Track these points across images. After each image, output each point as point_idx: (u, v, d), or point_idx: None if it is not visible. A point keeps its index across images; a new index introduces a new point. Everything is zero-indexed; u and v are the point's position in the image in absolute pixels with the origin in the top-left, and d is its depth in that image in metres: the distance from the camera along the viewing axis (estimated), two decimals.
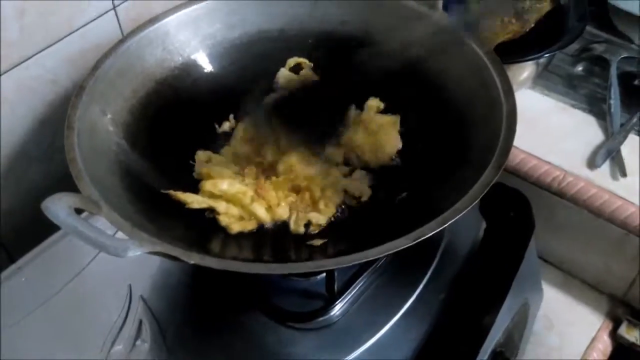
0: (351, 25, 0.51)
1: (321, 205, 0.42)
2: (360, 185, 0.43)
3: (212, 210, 0.41)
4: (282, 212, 0.42)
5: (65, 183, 0.52)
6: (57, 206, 0.29)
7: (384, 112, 0.48)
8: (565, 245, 0.59)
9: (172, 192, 0.41)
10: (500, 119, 0.38)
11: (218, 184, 0.42)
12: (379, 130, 0.45)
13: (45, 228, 0.46)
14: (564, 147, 0.57)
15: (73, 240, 0.47)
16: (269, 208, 0.42)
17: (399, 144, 0.45)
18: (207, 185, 0.42)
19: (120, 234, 0.32)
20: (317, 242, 0.40)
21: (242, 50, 0.51)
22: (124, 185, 0.39)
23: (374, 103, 0.48)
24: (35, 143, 0.51)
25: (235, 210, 0.41)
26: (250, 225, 0.42)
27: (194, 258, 0.31)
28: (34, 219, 0.52)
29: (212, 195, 0.41)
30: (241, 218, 0.42)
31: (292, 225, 0.41)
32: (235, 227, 0.41)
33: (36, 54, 0.47)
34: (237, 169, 0.45)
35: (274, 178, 0.43)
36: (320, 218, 0.41)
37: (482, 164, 0.37)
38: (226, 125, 0.49)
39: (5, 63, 0.46)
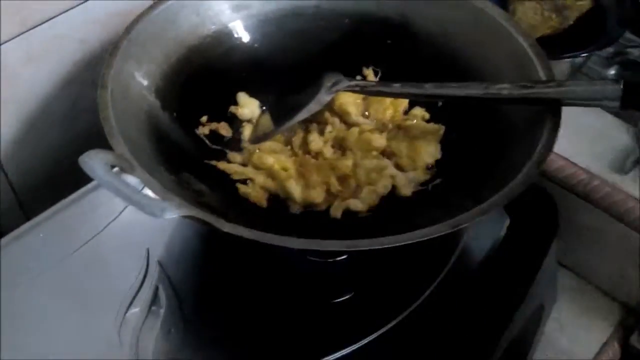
0: (388, 7, 0.50)
1: (364, 192, 0.41)
2: (412, 183, 0.43)
3: (243, 181, 0.41)
4: (316, 196, 0.41)
5: (87, 144, 0.51)
6: (95, 161, 0.28)
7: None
8: (583, 250, 0.59)
9: (215, 162, 0.42)
10: (543, 118, 0.37)
11: (264, 156, 0.42)
12: (419, 138, 0.45)
13: (63, 187, 0.46)
14: (592, 150, 0.56)
15: (91, 201, 0.47)
16: (305, 188, 0.41)
17: (437, 154, 0.44)
18: (255, 157, 0.42)
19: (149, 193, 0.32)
20: (362, 213, 0.40)
21: (276, 24, 0.50)
22: (153, 146, 0.38)
23: (418, 112, 0.47)
24: (59, 102, 0.50)
25: (270, 183, 0.41)
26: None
27: (226, 226, 0.30)
28: (52, 178, 0.52)
29: (256, 167, 0.41)
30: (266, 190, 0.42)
31: (331, 211, 0.41)
32: (263, 201, 0.40)
33: (65, 11, 0.46)
34: (282, 139, 0.44)
35: (320, 159, 0.43)
36: (359, 206, 0.41)
37: (520, 160, 0.36)
38: (243, 112, 0.48)
39: (34, 18, 0.45)
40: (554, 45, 0.55)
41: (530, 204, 0.50)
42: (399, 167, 0.44)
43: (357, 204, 0.41)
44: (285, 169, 0.42)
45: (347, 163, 0.43)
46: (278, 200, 0.43)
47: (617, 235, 0.54)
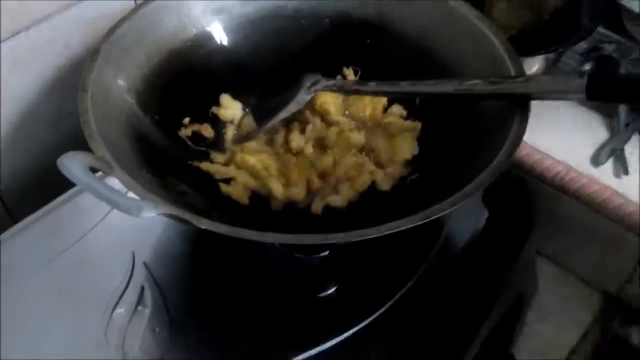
0: (367, 8, 0.51)
1: (343, 189, 0.42)
2: (390, 178, 0.44)
3: (226, 180, 0.42)
4: (297, 193, 0.42)
5: (73, 147, 0.52)
6: (73, 163, 0.29)
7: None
8: (563, 240, 0.60)
9: (197, 163, 0.43)
10: (513, 111, 0.38)
11: (246, 157, 0.43)
12: (397, 135, 0.46)
13: (50, 190, 0.47)
14: (568, 143, 0.57)
15: (78, 204, 0.47)
16: (285, 185, 0.42)
17: (415, 150, 0.45)
18: (238, 157, 0.43)
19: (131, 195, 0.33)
20: (341, 208, 0.41)
21: (257, 26, 0.51)
22: (134, 148, 0.39)
23: (396, 110, 0.48)
24: (45, 105, 0.51)
25: (252, 182, 0.42)
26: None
27: (203, 223, 0.31)
28: (39, 180, 0.53)
29: (238, 167, 0.42)
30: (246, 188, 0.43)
31: (312, 207, 0.42)
32: (245, 199, 0.41)
33: (49, 16, 0.47)
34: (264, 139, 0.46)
35: (300, 157, 0.44)
36: (338, 200, 0.42)
37: (493, 152, 0.37)
38: (226, 113, 0.49)
39: (19, 23, 0.45)
40: (528, 41, 0.57)
41: (507, 196, 0.51)
42: (378, 163, 0.45)
43: (336, 200, 0.42)
44: (266, 168, 0.43)
45: (327, 160, 0.44)
46: (260, 198, 0.44)
47: (595, 225, 0.55)
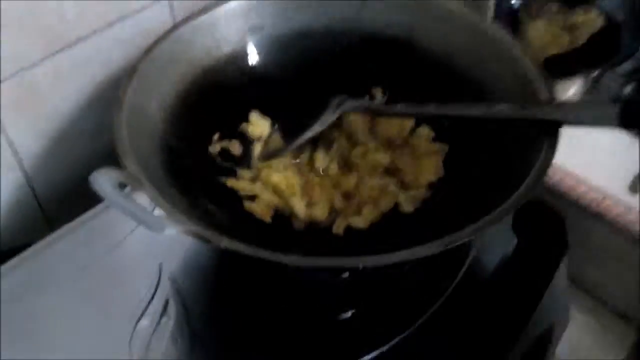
0: (396, 28, 0.51)
1: (366, 210, 0.42)
2: (413, 200, 0.44)
3: (251, 197, 0.43)
4: (319, 212, 0.43)
5: (110, 160, 0.54)
6: (104, 179, 0.30)
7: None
8: (598, 271, 0.58)
9: (224, 179, 0.44)
10: (542, 136, 0.37)
11: (272, 174, 0.44)
12: (423, 156, 0.46)
13: (87, 201, 0.48)
14: (605, 169, 0.56)
15: (111, 216, 0.49)
16: (309, 204, 0.43)
17: (440, 173, 0.45)
18: (263, 173, 0.44)
19: (157, 211, 0.34)
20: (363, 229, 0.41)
21: (288, 44, 0.51)
22: (164, 165, 0.40)
23: (424, 131, 0.48)
24: (84, 120, 0.53)
25: (275, 200, 0.43)
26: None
27: (224, 242, 0.32)
28: (77, 192, 0.55)
29: (264, 184, 0.44)
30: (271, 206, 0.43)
31: (334, 227, 0.42)
32: (267, 217, 0.42)
33: (91, 35, 0.50)
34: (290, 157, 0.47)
35: (325, 176, 0.45)
36: (360, 221, 0.42)
37: (519, 179, 0.36)
38: (255, 130, 0.50)
39: (62, 41, 0.48)
40: (566, 63, 0.55)
41: (539, 223, 0.50)
42: (402, 184, 0.45)
43: (358, 221, 0.42)
44: (290, 186, 0.44)
45: (351, 181, 0.44)
46: (283, 216, 0.44)
47: (631, 255, 0.53)
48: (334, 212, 0.43)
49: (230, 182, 0.45)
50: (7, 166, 0.49)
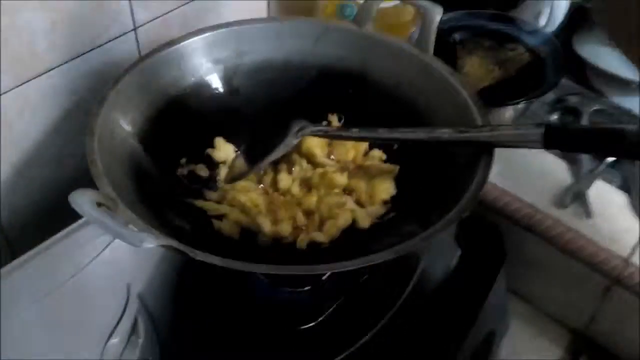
0: (350, 61, 0.55)
1: (327, 226, 0.46)
2: (369, 216, 0.47)
3: (218, 216, 0.45)
4: (284, 229, 0.46)
5: (72, 186, 0.55)
6: (82, 199, 0.33)
7: None
8: (533, 279, 0.64)
9: (192, 200, 0.46)
10: (479, 157, 0.43)
11: (238, 195, 0.47)
12: (376, 176, 0.50)
13: (51, 226, 0.49)
14: (536, 187, 0.62)
15: (75, 239, 0.50)
16: (274, 222, 0.46)
17: (392, 191, 0.49)
18: (229, 195, 0.47)
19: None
20: (324, 244, 0.45)
21: (251, 76, 0.55)
22: (136, 186, 0.42)
23: (376, 154, 0.53)
24: (49, 146, 0.54)
25: (243, 218, 0.45)
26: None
27: (198, 255, 0.34)
28: (41, 216, 0.56)
29: (230, 204, 0.47)
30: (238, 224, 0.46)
31: (297, 242, 0.45)
32: (236, 234, 0.45)
33: (59, 65, 0.51)
34: (254, 179, 0.50)
35: (288, 196, 0.48)
36: (321, 236, 0.46)
37: (460, 194, 0.41)
38: (219, 155, 0.53)
39: (32, 71, 0.50)
40: (498, 94, 0.62)
41: (479, 237, 0.55)
42: (358, 202, 0.49)
43: (320, 236, 0.45)
44: (256, 205, 0.47)
45: (312, 199, 0.48)
46: (250, 233, 0.47)
47: (561, 264, 0.59)
48: (297, 229, 0.47)
49: (199, 203, 0.48)
50: None
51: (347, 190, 0.50)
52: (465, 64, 0.66)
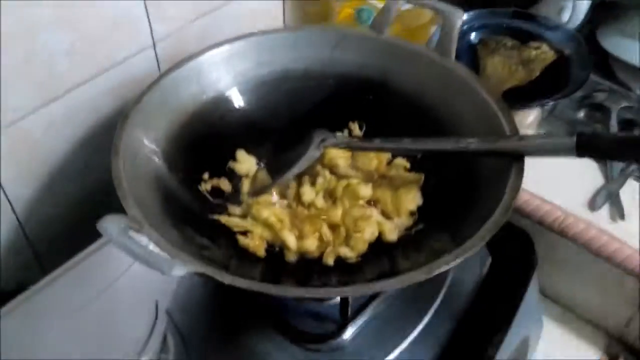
0: (369, 69, 0.55)
1: (353, 240, 0.45)
2: (397, 228, 0.47)
3: (243, 232, 0.45)
4: (310, 244, 0.45)
5: (97, 200, 0.56)
6: (111, 226, 0.33)
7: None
8: (566, 282, 0.62)
9: (217, 216, 0.46)
10: (509, 164, 0.41)
11: (261, 210, 0.46)
12: (401, 187, 0.49)
13: (77, 240, 0.50)
14: (566, 189, 0.60)
15: (104, 255, 0.50)
16: (299, 237, 0.45)
17: (419, 201, 0.48)
18: (254, 210, 0.47)
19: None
20: (353, 259, 0.44)
21: (269, 87, 0.55)
22: (161, 205, 0.42)
23: (400, 162, 0.52)
24: (73, 162, 0.55)
25: (267, 234, 0.45)
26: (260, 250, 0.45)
27: (227, 279, 0.34)
28: (68, 231, 0.57)
29: (254, 219, 0.46)
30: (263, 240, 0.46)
31: (324, 258, 0.45)
32: (261, 251, 0.44)
33: (81, 84, 0.52)
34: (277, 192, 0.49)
35: (312, 210, 0.47)
36: (350, 253, 0.45)
37: (492, 204, 0.40)
38: (242, 168, 0.52)
39: (55, 92, 0.50)
40: (523, 95, 0.61)
41: (509, 243, 0.54)
42: (384, 214, 0.48)
43: (347, 252, 0.45)
44: (280, 220, 0.46)
45: (337, 212, 0.47)
46: (275, 249, 0.47)
47: (595, 268, 0.57)
48: (323, 243, 0.46)
49: (223, 219, 0.47)
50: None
51: (372, 202, 0.49)
52: (487, 64, 0.64)
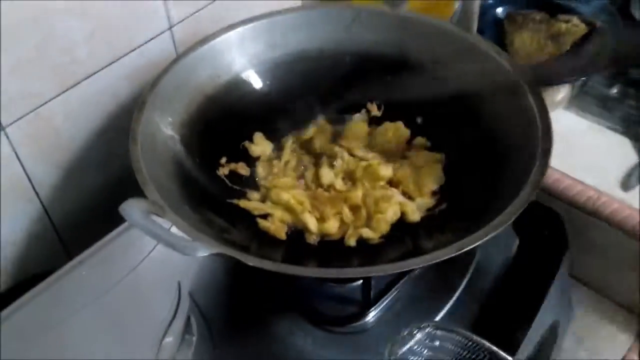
0: (385, 46, 0.53)
1: (375, 221, 0.44)
2: (420, 209, 0.46)
3: (263, 216, 0.45)
4: (331, 226, 0.45)
5: (121, 185, 0.56)
6: (133, 210, 0.32)
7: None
8: (597, 265, 0.60)
9: (236, 200, 0.46)
10: (536, 140, 0.40)
11: (281, 193, 0.45)
12: (423, 166, 0.48)
13: (101, 226, 0.50)
14: (598, 168, 0.57)
15: (127, 240, 0.50)
16: (320, 219, 0.45)
17: (441, 180, 0.47)
18: (273, 193, 0.46)
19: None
20: (375, 240, 0.43)
21: (285, 68, 0.54)
22: (181, 190, 0.42)
23: (420, 141, 0.51)
24: (95, 149, 0.55)
25: (288, 217, 0.44)
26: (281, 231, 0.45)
27: (251, 260, 0.34)
28: (91, 218, 0.57)
29: (273, 202, 0.45)
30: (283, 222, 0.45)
31: (346, 240, 0.44)
32: (282, 234, 0.44)
33: (100, 70, 0.52)
34: (295, 175, 0.49)
35: (332, 192, 0.47)
36: (371, 234, 0.44)
37: (520, 182, 0.38)
38: (256, 149, 0.52)
39: (73, 79, 0.50)
40: (553, 70, 0.58)
41: (538, 223, 0.52)
42: (405, 194, 0.47)
43: (369, 233, 0.44)
44: (300, 203, 0.46)
45: (357, 194, 0.46)
46: (296, 232, 0.46)
47: (628, 249, 0.55)
48: (344, 225, 0.45)
49: (243, 203, 0.47)
50: (26, 197, 0.51)
51: (393, 183, 0.48)
52: (514, 40, 0.61)
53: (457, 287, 0.48)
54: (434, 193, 0.47)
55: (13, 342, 0.43)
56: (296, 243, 0.45)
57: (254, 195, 0.49)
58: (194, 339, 0.44)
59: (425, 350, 0.39)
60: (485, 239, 0.35)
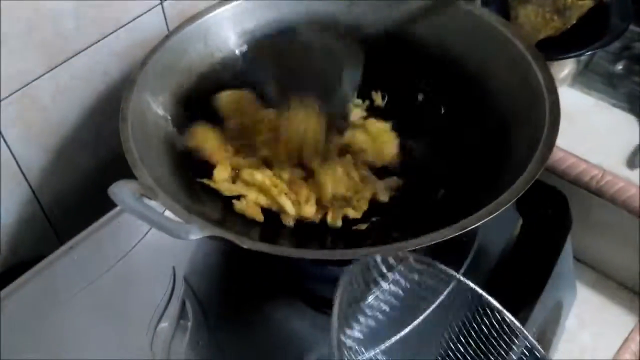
0: (384, 21, 0.51)
1: (354, 202, 0.43)
2: (386, 187, 0.45)
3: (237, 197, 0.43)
4: (308, 210, 0.43)
5: (112, 167, 0.55)
6: (123, 192, 0.31)
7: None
8: (601, 245, 0.59)
9: (205, 180, 0.44)
10: (543, 115, 0.38)
11: (254, 173, 0.43)
12: (378, 135, 0.47)
13: (92, 209, 0.49)
14: (602, 146, 0.56)
15: (119, 224, 0.49)
16: (297, 203, 0.43)
17: (394, 149, 0.46)
18: (244, 174, 0.44)
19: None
20: (362, 226, 0.42)
21: (279, 45, 0.51)
22: (171, 171, 0.41)
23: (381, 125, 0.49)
24: (85, 130, 0.54)
25: (263, 200, 0.43)
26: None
27: (246, 243, 0.32)
28: (82, 200, 0.56)
29: (247, 184, 0.44)
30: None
31: (329, 220, 0.43)
32: (259, 215, 0.42)
33: (89, 47, 0.50)
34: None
35: (310, 180, 0.45)
36: (354, 213, 0.43)
37: (525, 159, 0.37)
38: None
39: (62, 55, 0.48)
40: (558, 45, 0.56)
41: (541, 203, 0.51)
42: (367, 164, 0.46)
43: (352, 212, 0.43)
44: (275, 185, 0.44)
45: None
46: (272, 212, 0.44)
47: (634, 229, 0.54)
48: (321, 207, 0.44)
49: (213, 184, 0.44)
50: (14, 180, 0.50)
51: (351, 153, 0.46)
52: (519, 13, 0.59)
53: (459, 267, 0.47)
54: (400, 175, 0.46)
55: (5, 329, 0.42)
56: (271, 224, 0.43)
57: (222, 174, 0.46)
58: (189, 324, 0.43)
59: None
60: (491, 216, 0.34)
